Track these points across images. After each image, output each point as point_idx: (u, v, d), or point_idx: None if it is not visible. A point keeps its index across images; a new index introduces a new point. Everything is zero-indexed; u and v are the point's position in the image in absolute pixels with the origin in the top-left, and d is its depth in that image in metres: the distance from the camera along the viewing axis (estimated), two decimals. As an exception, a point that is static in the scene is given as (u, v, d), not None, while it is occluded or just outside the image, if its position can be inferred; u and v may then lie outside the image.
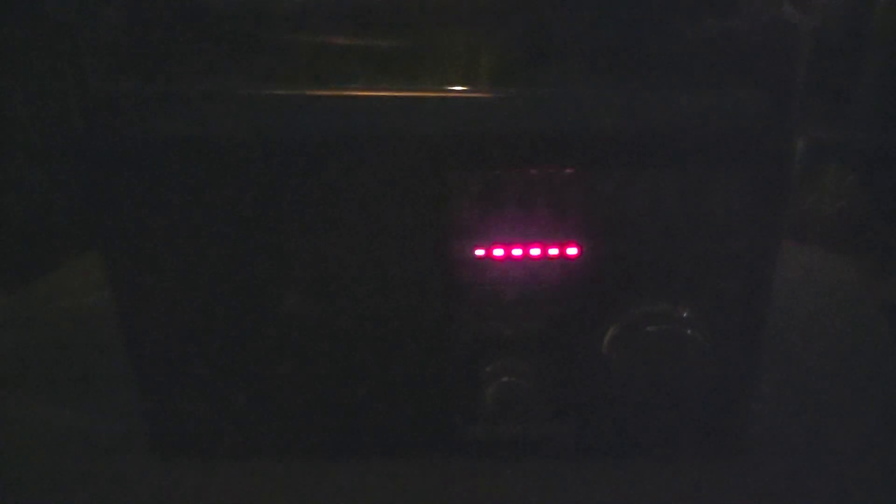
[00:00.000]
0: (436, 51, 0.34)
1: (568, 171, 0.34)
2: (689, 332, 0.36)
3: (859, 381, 0.48)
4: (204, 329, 0.38)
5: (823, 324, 0.54)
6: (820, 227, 0.66)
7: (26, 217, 0.63)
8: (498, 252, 0.36)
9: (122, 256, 0.37)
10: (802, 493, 0.40)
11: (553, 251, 0.36)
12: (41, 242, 0.64)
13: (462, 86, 0.34)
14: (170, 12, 0.33)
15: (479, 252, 0.36)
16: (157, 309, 0.38)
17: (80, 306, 0.58)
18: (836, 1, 0.60)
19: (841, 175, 0.67)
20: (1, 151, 0.61)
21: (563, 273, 0.36)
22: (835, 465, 0.41)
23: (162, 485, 0.41)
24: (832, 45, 0.59)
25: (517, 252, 0.36)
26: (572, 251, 0.36)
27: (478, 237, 0.36)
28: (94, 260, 0.38)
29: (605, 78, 0.34)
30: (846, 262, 0.63)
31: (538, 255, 0.36)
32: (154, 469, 0.42)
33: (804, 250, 0.63)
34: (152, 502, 0.40)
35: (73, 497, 0.40)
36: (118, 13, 0.33)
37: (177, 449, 0.42)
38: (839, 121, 0.64)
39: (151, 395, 0.41)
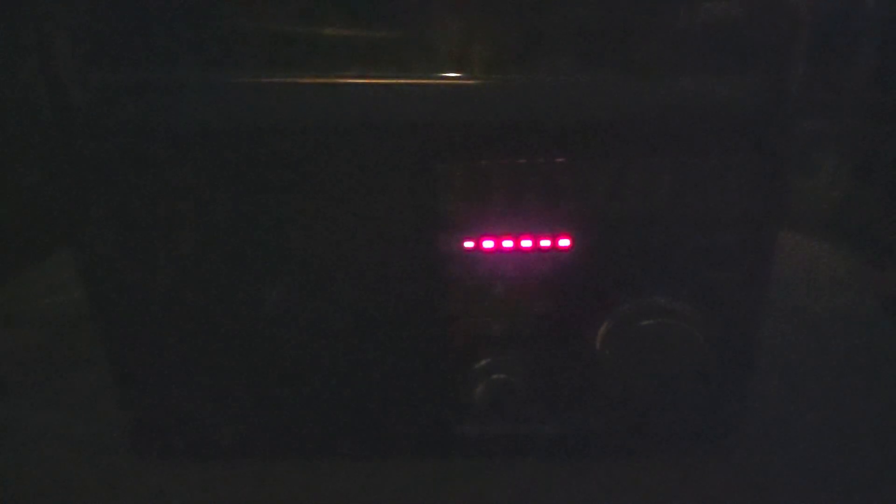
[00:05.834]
0: (425, 38, 0.34)
1: (559, 160, 0.33)
2: (683, 326, 0.35)
3: (856, 375, 0.48)
4: (191, 326, 0.38)
5: (819, 316, 0.54)
6: (816, 218, 0.66)
7: (5, 212, 0.62)
8: (488, 244, 0.35)
9: (102, 252, 0.36)
10: (797, 489, 0.39)
11: (545, 243, 0.35)
12: (20, 239, 0.63)
13: (450, 74, 0.33)
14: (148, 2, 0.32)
15: (469, 245, 0.35)
16: (142, 306, 0.37)
17: (61, 304, 0.57)
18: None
19: (838, 166, 0.66)
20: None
21: (556, 265, 0.35)
22: (831, 461, 0.41)
23: (147, 488, 0.40)
24: (830, 32, 0.59)
25: (508, 244, 0.35)
26: (564, 243, 0.35)
27: (467, 229, 0.35)
28: (72, 256, 0.37)
29: (597, 66, 0.33)
30: (843, 253, 0.63)
31: (529, 248, 0.35)
32: (138, 471, 0.41)
33: (799, 242, 0.63)
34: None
35: (57, 499, 0.40)
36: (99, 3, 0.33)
37: (165, 451, 0.42)
38: (836, 110, 0.63)
39: (137, 396, 0.40)
